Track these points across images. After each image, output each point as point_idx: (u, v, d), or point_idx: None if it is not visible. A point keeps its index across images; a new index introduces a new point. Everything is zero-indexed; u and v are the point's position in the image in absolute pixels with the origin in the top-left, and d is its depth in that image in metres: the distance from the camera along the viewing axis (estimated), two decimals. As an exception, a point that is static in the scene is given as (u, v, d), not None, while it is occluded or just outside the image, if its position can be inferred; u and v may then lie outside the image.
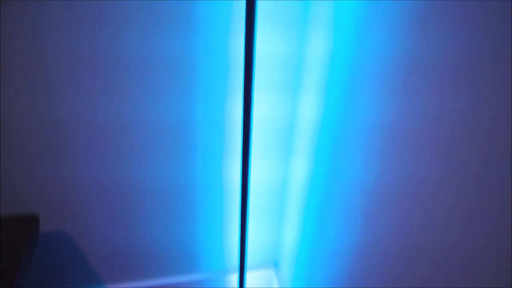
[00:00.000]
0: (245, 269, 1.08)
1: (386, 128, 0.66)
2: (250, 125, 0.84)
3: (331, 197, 0.89)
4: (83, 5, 0.77)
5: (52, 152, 0.91)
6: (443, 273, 0.54)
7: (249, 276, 1.28)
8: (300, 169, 1.07)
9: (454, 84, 0.51)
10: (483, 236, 0.48)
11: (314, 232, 1.02)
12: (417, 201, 0.59)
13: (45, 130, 0.88)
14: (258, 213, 1.19)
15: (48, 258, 1.06)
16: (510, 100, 0.43)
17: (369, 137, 0.71)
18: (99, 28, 0.80)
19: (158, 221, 1.10)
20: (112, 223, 1.06)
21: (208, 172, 1.07)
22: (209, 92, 0.96)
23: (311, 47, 0.96)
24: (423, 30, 0.56)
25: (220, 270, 1.25)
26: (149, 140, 0.97)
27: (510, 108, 0.43)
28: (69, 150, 0.92)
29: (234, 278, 1.25)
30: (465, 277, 0.51)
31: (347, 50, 0.78)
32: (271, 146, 1.09)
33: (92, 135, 0.91)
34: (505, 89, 0.43)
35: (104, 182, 0.99)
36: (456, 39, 0.50)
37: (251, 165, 1.10)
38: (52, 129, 0.88)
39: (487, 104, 0.47)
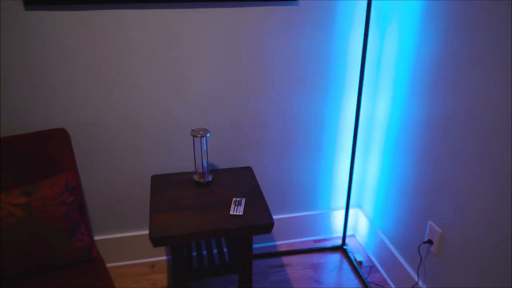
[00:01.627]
0: (348, 210, 2.07)
1: (439, 126, 1.57)
2: (359, 121, 1.78)
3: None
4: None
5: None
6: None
7: (342, 213, 2.27)
8: (374, 163, 2.02)
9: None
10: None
11: (386, 186, 1.98)
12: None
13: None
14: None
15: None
16: None
17: (425, 134, 1.63)
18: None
19: (308, 180, 2.11)
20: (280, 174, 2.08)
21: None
22: (335, 90, 1.92)
23: (387, 47, 1.86)
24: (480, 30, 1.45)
25: (329, 209, 2.25)
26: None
27: None
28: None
29: (339, 214, 2.25)
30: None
31: (410, 51, 1.67)
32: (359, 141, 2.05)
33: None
34: None
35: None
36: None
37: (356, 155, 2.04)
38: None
39: None
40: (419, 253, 1.71)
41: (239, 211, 1.62)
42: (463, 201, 1.44)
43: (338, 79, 1.92)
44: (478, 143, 1.34)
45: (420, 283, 1.73)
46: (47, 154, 1.56)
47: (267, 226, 1.57)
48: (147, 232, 2.06)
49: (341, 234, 2.31)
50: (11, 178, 1.51)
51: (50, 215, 1.40)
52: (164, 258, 2.14)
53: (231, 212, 1.61)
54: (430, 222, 1.64)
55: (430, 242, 1.64)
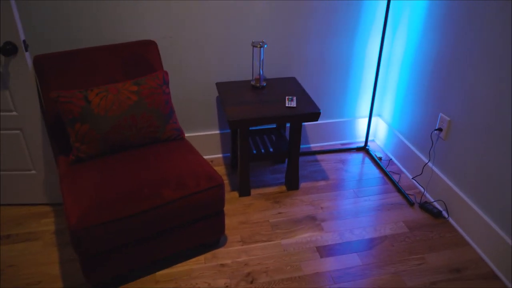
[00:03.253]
0: (371, 116, 2.52)
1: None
2: (384, 36, 2.21)
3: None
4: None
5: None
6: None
7: (365, 121, 2.73)
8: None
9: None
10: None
11: (405, 91, 2.42)
12: None
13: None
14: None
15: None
16: None
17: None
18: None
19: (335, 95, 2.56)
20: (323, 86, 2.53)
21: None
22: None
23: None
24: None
25: (355, 117, 2.70)
26: (339, 57, 2.40)
27: None
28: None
29: (362, 121, 2.71)
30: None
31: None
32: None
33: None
34: None
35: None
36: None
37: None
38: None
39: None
40: (431, 139, 2.19)
41: (293, 104, 2.07)
42: (469, 91, 1.89)
43: None
44: (482, 45, 1.77)
45: (430, 164, 2.22)
46: (145, 57, 1.98)
47: (315, 114, 2.03)
48: (208, 132, 2.52)
49: (363, 139, 2.79)
50: (120, 73, 1.94)
51: (155, 101, 1.85)
52: (220, 155, 2.62)
53: (286, 105, 2.06)
54: (440, 114, 2.10)
55: (440, 129, 2.11)
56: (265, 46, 2.15)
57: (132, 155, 1.84)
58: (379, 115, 2.74)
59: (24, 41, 1.77)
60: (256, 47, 2.12)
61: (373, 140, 2.82)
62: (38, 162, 2.06)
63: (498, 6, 1.66)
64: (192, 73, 2.31)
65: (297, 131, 2.11)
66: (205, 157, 2.61)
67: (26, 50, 1.80)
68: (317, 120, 2.09)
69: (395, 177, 2.44)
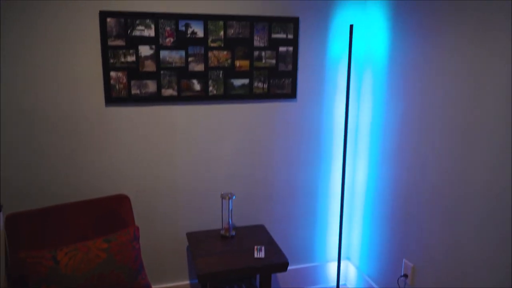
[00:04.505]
0: (340, 261, 2.58)
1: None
2: (344, 190, 2.37)
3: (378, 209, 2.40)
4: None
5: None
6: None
7: (335, 265, 2.76)
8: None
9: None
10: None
11: (369, 237, 2.52)
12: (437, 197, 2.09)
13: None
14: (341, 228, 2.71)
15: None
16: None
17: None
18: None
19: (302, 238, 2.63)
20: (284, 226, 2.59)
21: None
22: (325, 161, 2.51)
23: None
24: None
25: (325, 261, 2.74)
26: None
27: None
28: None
29: (332, 265, 2.74)
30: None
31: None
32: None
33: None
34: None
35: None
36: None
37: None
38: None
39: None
40: (398, 285, 2.22)
41: (261, 255, 2.11)
42: (427, 240, 2.00)
43: (327, 146, 2.55)
44: (432, 200, 1.95)
45: (402, 311, 2.22)
46: (117, 212, 2.05)
47: (284, 264, 2.06)
48: (178, 283, 2.47)
49: (335, 283, 2.78)
50: (92, 229, 1.98)
51: (125, 257, 1.87)
52: (190, 306, 2.54)
53: (255, 256, 2.10)
54: (404, 259, 2.17)
55: (405, 276, 2.16)
56: (233, 197, 2.27)
57: (96, 316, 1.78)
58: (348, 258, 2.79)
59: (-1, 202, 1.83)
60: (225, 199, 2.24)
61: (344, 284, 2.82)
62: (-7, 326, 1.94)
63: (440, 126, 1.89)
64: (164, 223, 2.37)
65: (266, 282, 2.12)
66: (174, 309, 2.51)
67: (0, 211, 1.84)
68: (285, 271, 2.12)
69: (369, 325, 2.39)
